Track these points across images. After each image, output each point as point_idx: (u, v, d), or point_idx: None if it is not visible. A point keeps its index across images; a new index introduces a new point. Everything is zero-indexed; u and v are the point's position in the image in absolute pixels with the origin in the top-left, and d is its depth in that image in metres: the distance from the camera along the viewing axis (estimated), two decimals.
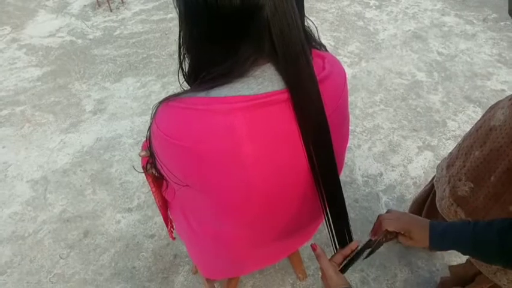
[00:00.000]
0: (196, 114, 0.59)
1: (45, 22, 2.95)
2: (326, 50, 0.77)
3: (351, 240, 0.85)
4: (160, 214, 1.02)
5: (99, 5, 3.08)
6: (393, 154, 1.94)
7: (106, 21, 2.94)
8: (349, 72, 2.39)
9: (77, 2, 3.19)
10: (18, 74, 2.46)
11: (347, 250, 0.82)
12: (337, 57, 2.58)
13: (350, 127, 2.07)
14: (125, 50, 2.65)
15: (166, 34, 2.80)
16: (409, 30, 2.81)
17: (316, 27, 0.74)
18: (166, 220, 1.03)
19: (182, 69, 0.68)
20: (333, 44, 2.67)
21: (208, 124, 0.59)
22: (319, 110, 0.64)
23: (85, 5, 3.13)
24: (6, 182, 1.84)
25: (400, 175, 1.84)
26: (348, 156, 1.92)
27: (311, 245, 0.83)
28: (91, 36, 2.79)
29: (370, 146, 1.98)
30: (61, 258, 1.56)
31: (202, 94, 0.60)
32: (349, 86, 2.33)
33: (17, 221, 1.68)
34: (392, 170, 1.86)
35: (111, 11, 3.03)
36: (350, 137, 2.03)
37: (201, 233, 0.86)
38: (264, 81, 0.61)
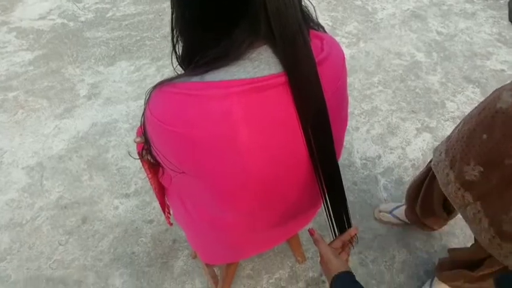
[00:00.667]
0: (190, 99, 0.57)
1: (35, 4, 2.87)
2: (324, 30, 0.75)
3: (349, 225, 0.84)
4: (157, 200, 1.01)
5: None
6: (392, 136, 1.93)
7: (98, 2, 2.86)
8: (347, 53, 2.35)
9: None
10: (9, 59, 2.41)
11: (346, 236, 0.82)
12: (335, 38, 2.54)
13: (348, 109, 2.05)
14: (117, 32, 2.59)
15: (160, 15, 2.74)
16: (408, 9, 2.76)
17: (313, 7, 0.72)
18: (163, 206, 1.02)
19: (175, 53, 0.66)
20: (330, 24, 2.62)
21: (203, 109, 0.57)
22: (318, 93, 0.62)
23: None
24: (2, 169, 1.82)
25: (399, 157, 1.84)
26: (346, 138, 1.91)
27: (308, 230, 0.83)
28: (83, 19, 2.72)
29: (369, 128, 1.97)
30: (60, 244, 1.55)
31: (196, 78, 0.58)
32: (347, 67, 2.29)
33: (14, 208, 1.67)
34: (391, 153, 1.86)
35: None
36: (348, 118, 2.01)
37: (197, 219, 0.85)
38: (260, 64, 0.59)
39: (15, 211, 1.66)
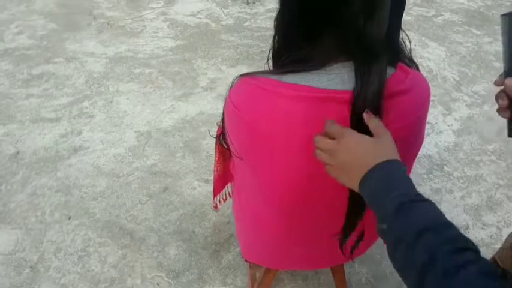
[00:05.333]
0: (264, 93, 0.64)
1: (192, 3, 3.31)
2: (417, 68, 0.75)
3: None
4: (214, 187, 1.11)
5: None
6: (489, 212, 1.72)
7: (240, 12, 3.18)
8: (465, 112, 2.18)
9: None
10: (157, 42, 2.82)
11: None
12: (458, 94, 2.40)
13: (447, 168, 1.90)
14: (248, 40, 2.84)
15: None
16: None
17: (410, 42, 0.73)
18: (217, 190, 1.10)
19: (274, 50, 0.73)
20: (457, 79, 2.45)
21: (271, 105, 0.63)
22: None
23: None
24: (120, 128, 2.14)
25: (490, 236, 1.63)
26: (434, 198, 1.77)
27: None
28: (224, 23, 3.05)
29: (464, 195, 1.79)
30: (140, 203, 1.77)
31: (274, 77, 0.65)
32: (460, 127, 2.13)
33: (118, 162, 1.95)
34: (482, 228, 1.66)
35: (247, 4, 3.27)
36: (444, 179, 1.86)
37: (246, 211, 0.91)
38: (335, 78, 0.63)
39: (117, 164, 1.94)
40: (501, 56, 0.63)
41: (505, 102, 0.59)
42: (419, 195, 0.52)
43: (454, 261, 0.45)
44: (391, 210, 0.51)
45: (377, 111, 0.61)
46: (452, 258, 0.46)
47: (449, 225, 0.50)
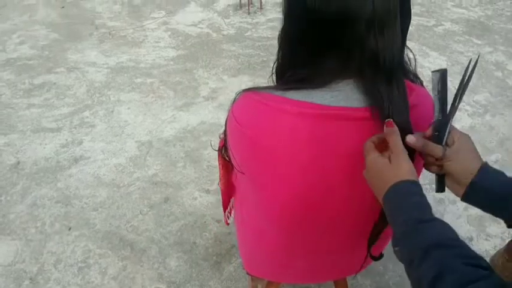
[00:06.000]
0: (267, 109, 0.63)
1: (193, 13, 3.34)
2: (422, 83, 0.74)
3: None
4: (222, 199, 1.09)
5: (241, 7, 3.37)
6: (493, 222, 1.70)
7: (241, 22, 3.20)
8: (467, 122, 2.18)
9: (223, 0, 3.53)
10: (158, 52, 2.84)
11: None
12: (460, 104, 2.38)
13: None
14: (249, 50, 2.85)
15: None
16: None
17: (415, 58, 0.72)
18: (226, 204, 1.09)
19: (277, 65, 0.72)
20: None
21: (275, 121, 0.63)
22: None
23: (229, 5, 3.45)
24: (121, 138, 2.14)
25: (494, 248, 1.61)
26: (437, 209, 1.76)
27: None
28: (225, 32, 3.06)
29: (467, 206, 1.76)
30: (140, 213, 1.75)
31: (278, 93, 0.64)
32: None
33: (118, 172, 1.94)
34: (486, 239, 1.64)
35: (248, 14, 3.29)
36: (447, 189, 1.85)
37: (247, 225, 0.90)
38: (338, 95, 0.62)
39: (118, 174, 1.93)
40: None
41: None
42: (425, 215, 0.54)
43: (466, 276, 0.46)
44: (399, 235, 0.54)
45: (407, 125, 0.60)
46: (464, 273, 0.46)
47: (460, 242, 0.51)
